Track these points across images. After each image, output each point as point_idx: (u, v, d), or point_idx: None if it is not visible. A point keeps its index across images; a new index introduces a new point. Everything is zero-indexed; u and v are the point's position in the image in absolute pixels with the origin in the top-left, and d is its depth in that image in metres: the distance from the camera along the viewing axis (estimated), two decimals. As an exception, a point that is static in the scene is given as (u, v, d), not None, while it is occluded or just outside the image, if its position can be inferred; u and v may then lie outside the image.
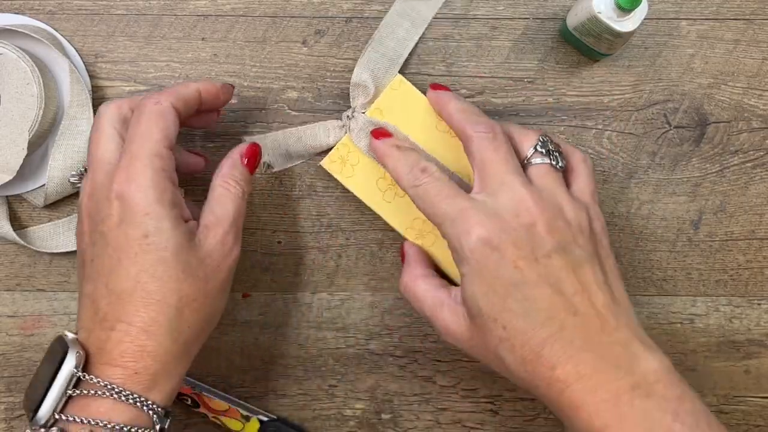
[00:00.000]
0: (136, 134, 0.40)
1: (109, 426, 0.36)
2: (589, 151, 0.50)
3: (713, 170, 0.50)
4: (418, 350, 0.50)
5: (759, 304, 0.50)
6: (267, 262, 0.50)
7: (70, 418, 0.36)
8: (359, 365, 0.50)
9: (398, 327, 0.50)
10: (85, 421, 0.35)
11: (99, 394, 0.36)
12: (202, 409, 0.48)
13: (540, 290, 0.37)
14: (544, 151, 0.41)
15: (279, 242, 0.50)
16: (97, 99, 0.49)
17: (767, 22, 0.50)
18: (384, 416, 0.50)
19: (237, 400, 0.49)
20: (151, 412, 0.37)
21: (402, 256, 0.46)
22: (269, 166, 0.49)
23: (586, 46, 0.48)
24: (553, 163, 0.41)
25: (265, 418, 0.48)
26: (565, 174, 0.42)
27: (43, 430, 0.36)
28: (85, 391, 0.36)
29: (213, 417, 0.48)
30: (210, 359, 0.50)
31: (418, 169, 0.41)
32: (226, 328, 0.50)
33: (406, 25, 0.48)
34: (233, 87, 0.46)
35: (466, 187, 0.41)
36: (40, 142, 0.48)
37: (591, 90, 0.50)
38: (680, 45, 0.50)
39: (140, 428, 0.37)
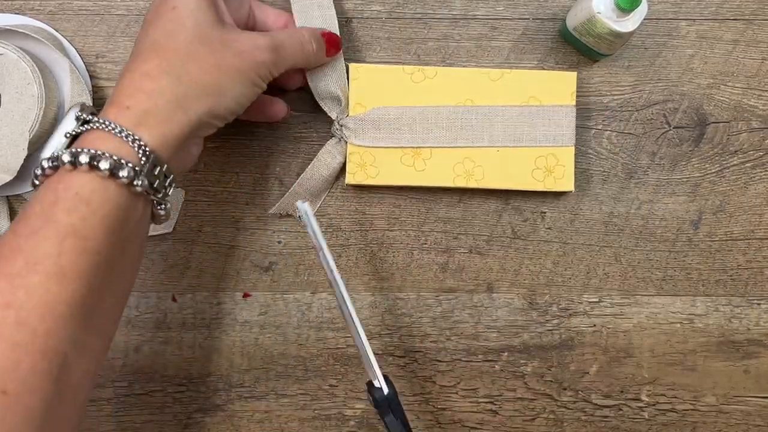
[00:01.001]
0: None
1: (91, 152, 0.36)
2: (589, 151, 0.50)
3: (713, 170, 0.50)
4: (418, 350, 0.50)
5: (758, 304, 0.50)
6: (267, 262, 0.50)
7: (68, 150, 0.36)
8: (359, 365, 0.50)
9: (398, 327, 0.50)
10: (74, 150, 0.36)
11: (94, 129, 0.37)
12: None
13: None
14: None
15: (279, 242, 0.50)
16: (98, 99, 0.49)
17: (766, 23, 0.50)
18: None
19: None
20: (135, 145, 0.37)
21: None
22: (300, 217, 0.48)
23: (585, 46, 0.48)
24: None
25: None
26: None
27: (43, 163, 0.37)
28: (87, 129, 0.38)
29: None
30: (210, 359, 0.50)
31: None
32: (226, 328, 0.50)
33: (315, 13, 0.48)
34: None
35: None
36: (40, 143, 0.48)
37: (591, 90, 0.50)
38: (680, 45, 0.50)
39: (125, 159, 0.36)
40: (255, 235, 0.50)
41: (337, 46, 0.47)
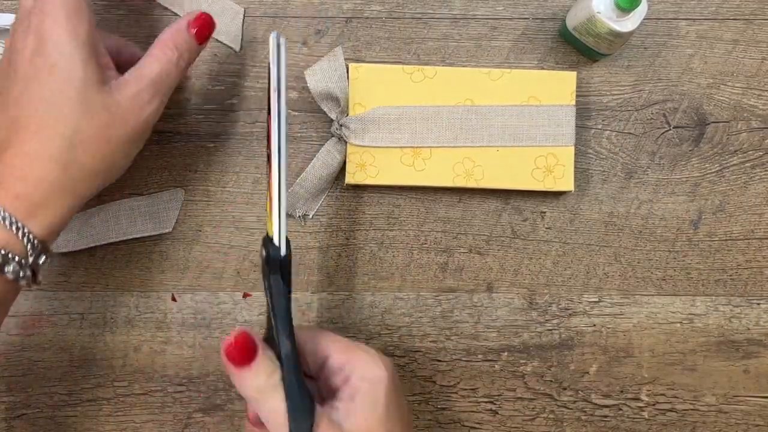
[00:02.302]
0: None
1: None
2: (589, 151, 0.50)
3: (712, 170, 0.50)
4: (418, 350, 0.50)
5: (758, 304, 0.50)
6: (267, 262, 0.50)
7: None
8: (359, 365, 0.50)
9: (398, 327, 0.50)
10: None
11: None
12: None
13: None
14: None
15: (279, 242, 0.50)
16: (98, 99, 0.49)
17: (766, 23, 0.50)
18: (384, 416, 0.50)
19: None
20: (25, 239, 0.36)
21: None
22: (305, 215, 0.49)
23: (585, 46, 0.48)
24: None
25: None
26: None
27: None
28: None
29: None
30: (210, 358, 0.50)
31: None
32: (226, 328, 0.50)
33: None
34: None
35: None
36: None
37: (590, 90, 0.50)
38: (679, 45, 0.50)
39: (12, 253, 0.36)
40: (255, 235, 0.50)
41: (208, 26, 0.43)
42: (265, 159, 0.49)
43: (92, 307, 0.50)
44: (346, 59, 0.49)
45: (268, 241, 0.38)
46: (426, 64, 0.50)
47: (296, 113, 0.50)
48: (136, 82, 0.40)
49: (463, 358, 0.50)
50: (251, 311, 0.50)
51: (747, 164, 0.50)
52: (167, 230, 0.50)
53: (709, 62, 0.50)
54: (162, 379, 0.50)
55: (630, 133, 0.50)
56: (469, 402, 0.50)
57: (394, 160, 0.48)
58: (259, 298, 0.50)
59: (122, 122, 0.39)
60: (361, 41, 0.50)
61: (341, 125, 0.48)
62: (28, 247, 0.36)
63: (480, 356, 0.50)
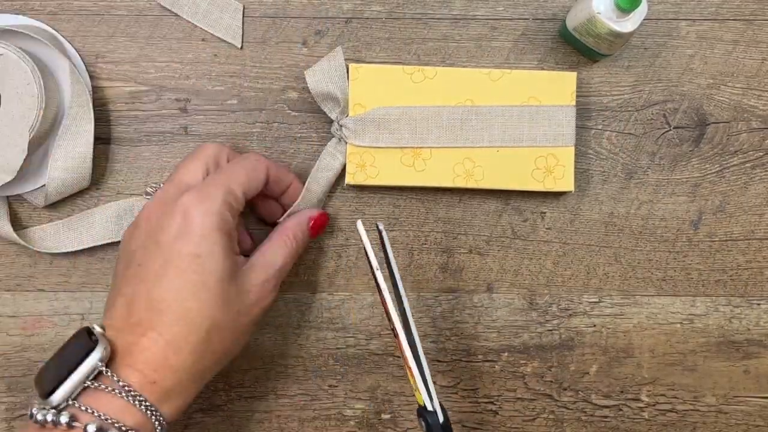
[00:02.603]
0: (223, 170, 0.43)
1: (116, 425, 0.36)
2: (589, 151, 0.50)
3: (713, 170, 0.50)
4: (418, 350, 0.50)
5: (758, 304, 0.50)
6: (267, 262, 0.50)
7: (83, 407, 0.36)
8: (359, 365, 0.50)
9: (398, 327, 0.50)
10: (96, 414, 0.36)
11: (114, 392, 0.37)
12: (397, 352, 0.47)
13: None
14: None
15: (279, 242, 0.50)
16: (98, 99, 0.49)
17: (766, 23, 0.50)
18: (384, 416, 0.50)
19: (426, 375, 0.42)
20: (157, 423, 0.38)
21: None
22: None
23: (585, 46, 0.48)
24: None
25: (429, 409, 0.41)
26: None
27: (53, 410, 0.36)
28: (102, 386, 0.37)
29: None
30: (210, 359, 0.50)
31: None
32: (226, 328, 0.50)
33: None
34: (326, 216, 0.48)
35: None
36: (40, 143, 0.48)
37: (590, 90, 0.50)
38: (680, 45, 0.50)
39: None
40: (255, 235, 0.50)
41: (323, 225, 0.48)
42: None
43: (92, 308, 0.50)
44: (346, 59, 0.49)
45: (423, 411, 0.40)
46: (426, 64, 0.50)
47: (296, 113, 0.50)
48: (263, 270, 0.43)
49: (463, 359, 0.50)
50: (251, 311, 0.50)
51: (747, 165, 0.50)
52: (167, 230, 0.50)
53: (709, 63, 0.50)
54: (162, 379, 0.50)
55: (630, 134, 0.50)
56: (469, 402, 0.50)
57: (394, 161, 0.48)
58: (259, 298, 0.50)
59: (251, 308, 0.42)
60: (361, 42, 0.50)
61: (341, 126, 0.48)
62: (158, 429, 0.38)
63: (480, 357, 0.50)
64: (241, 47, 0.50)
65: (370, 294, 0.50)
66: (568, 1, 0.50)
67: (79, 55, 0.49)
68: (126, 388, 0.37)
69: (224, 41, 0.50)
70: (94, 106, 0.48)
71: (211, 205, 0.40)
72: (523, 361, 0.50)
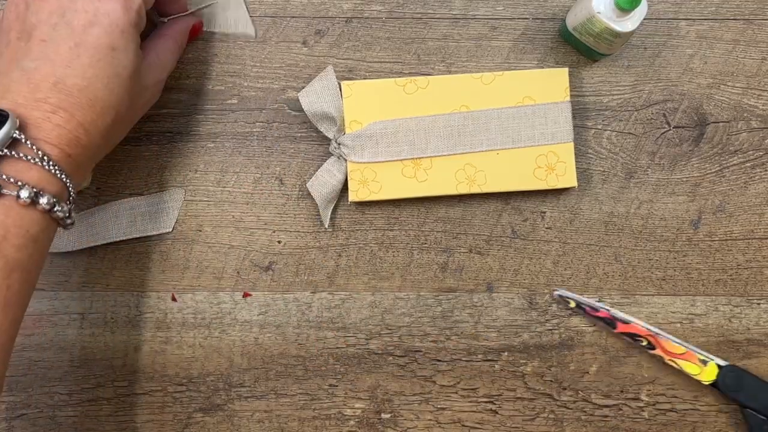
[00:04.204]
0: None
1: (40, 192, 0.37)
2: (589, 151, 0.50)
3: (712, 170, 0.50)
4: (418, 350, 0.50)
5: (758, 304, 0.50)
6: (267, 262, 0.50)
7: (4, 176, 0.37)
8: (359, 365, 0.50)
9: (398, 327, 0.50)
10: (18, 183, 0.37)
11: (33, 162, 0.37)
12: (658, 351, 0.49)
13: None
14: None
15: (279, 242, 0.50)
16: (98, 99, 0.49)
17: (766, 23, 0.50)
18: (384, 416, 0.50)
19: (693, 347, 0.49)
20: (71, 190, 0.39)
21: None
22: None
23: (585, 46, 0.48)
24: None
25: (723, 363, 0.49)
26: None
27: None
28: (22, 155, 0.37)
29: (669, 360, 0.49)
30: (210, 358, 0.50)
31: None
32: (226, 328, 0.50)
33: None
34: None
35: None
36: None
37: (590, 90, 0.50)
38: (679, 45, 0.50)
39: (62, 201, 0.39)
40: (255, 235, 0.50)
41: (196, 34, 0.49)
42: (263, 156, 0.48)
43: (92, 307, 0.50)
44: (345, 59, 0.49)
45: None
46: (426, 64, 0.50)
47: (296, 113, 0.50)
48: (160, 71, 0.46)
49: (464, 358, 0.50)
50: (251, 311, 0.50)
51: (747, 164, 0.50)
52: (167, 230, 0.50)
53: (709, 62, 0.50)
54: (162, 379, 0.50)
55: (630, 133, 0.50)
56: (469, 402, 0.50)
57: (395, 174, 0.48)
58: (259, 297, 0.50)
59: (144, 105, 0.45)
60: (361, 41, 0.50)
61: (339, 144, 0.48)
62: (72, 193, 0.40)
63: (480, 356, 0.50)
64: (256, 35, 0.50)
65: (370, 294, 0.50)
66: (568, 0, 0.50)
67: (79, 54, 0.49)
68: (46, 157, 0.38)
69: (225, 41, 0.50)
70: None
71: (133, 1, 0.41)
72: (523, 361, 0.50)
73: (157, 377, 0.50)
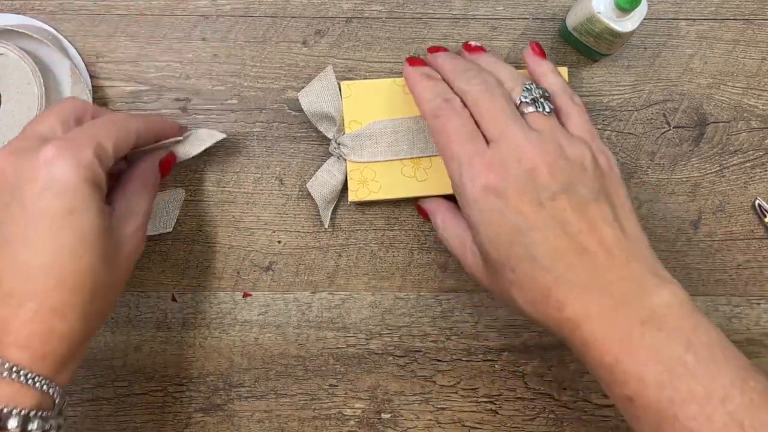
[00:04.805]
0: (91, 123, 0.40)
1: (14, 412, 0.34)
2: (589, 151, 0.50)
3: (712, 170, 0.50)
4: (418, 350, 0.50)
5: (758, 304, 0.50)
6: (267, 262, 0.50)
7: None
8: (359, 365, 0.50)
9: (398, 327, 0.50)
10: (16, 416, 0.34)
11: (3, 377, 0.34)
12: None
13: (545, 233, 0.37)
14: (529, 100, 0.41)
15: (279, 242, 0.50)
16: (98, 99, 0.49)
17: (766, 23, 0.50)
18: (384, 416, 0.50)
19: None
20: (56, 395, 0.36)
21: (422, 211, 0.48)
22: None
23: (585, 46, 0.48)
24: (541, 110, 0.40)
25: None
26: (559, 116, 0.42)
27: None
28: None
29: None
30: (210, 358, 0.50)
31: (442, 99, 0.41)
32: (226, 328, 0.50)
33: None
34: (181, 127, 0.47)
35: None
36: (40, 142, 0.48)
37: (590, 90, 0.50)
38: (679, 45, 0.50)
39: (45, 412, 0.35)
40: (255, 235, 0.50)
41: (169, 167, 0.46)
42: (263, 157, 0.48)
43: (92, 307, 0.50)
44: (346, 59, 0.49)
45: None
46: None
47: (296, 113, 0.50)
48: (134, 219, 0.41)
49: (464, 358, 0.50)
50: (251, 311, 0.50)
51: (747, 164, 0.50)
52: (167, 230, 0.50)
53: (709, 62, 0.50)
54: (162, 379, 0.50)
55: (630, 133, 0.50)
56: (470, 402, 0.50)
57: (395, 173, 0.48)
58: (259, 297, 0.50)
59: (128, 260, 0.41)
60: (361, 41, 0.50)
61: (339, 144, 0.48)
62: (57, 400, 0.36)
63: (480, 356, 0.50)
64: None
65: (370, 294, 0.50)
66: (568, 0, 0.50)
67: (80, 54, 0.49)
68: (15, 369, 0.34)
69: (225, 41, 0.50)
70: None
71: (82, 156, 0.37)
72: (524, 361, 0.50)
73: (157, 377, 0.50)
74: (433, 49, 0.46)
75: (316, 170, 0.49)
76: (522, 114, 0.40)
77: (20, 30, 0.47)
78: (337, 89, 0.48)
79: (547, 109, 0.40)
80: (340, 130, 0.48)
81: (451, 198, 0.50)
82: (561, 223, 0.37)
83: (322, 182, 0.48)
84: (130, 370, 0.50)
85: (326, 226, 0.50)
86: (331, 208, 0.50)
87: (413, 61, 0.45)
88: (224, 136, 0.47)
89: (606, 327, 0.35)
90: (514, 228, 0.37)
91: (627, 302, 0.36)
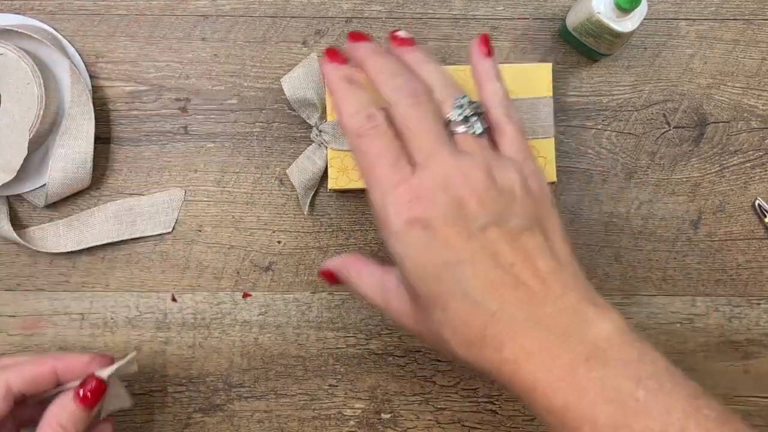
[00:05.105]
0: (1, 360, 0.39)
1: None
2: (589, 151, 0.50)
3: (712, 170, 0.50)
4: (418, 350, 0.50)
5: (758, 304, 0.50)
6: (267, 262, 0.50)
7: None
8: (359, 365, 0.50)
9: (398, 327, 0.50)
10: None
11: None
12: None
13: (476, 267, 0.34)
14: (460, 119, 0.37)
15: (279, 242, 0.50)
16: (98, 99, 0.49)
17: (766, 23, 0.50)
18: (384, 416, 0.50)
19: None
20: None
21: (327, 275, 0.42)
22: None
23: (585, 46, 0.48)
24: (471, 131, 0.37)
25: None
26: (492, 133, 0.39)
27: None
28: None
29: None
30: (210, 358, 0.50)
31: (366, 115, 0.37)
32: (226, 328, 0.50)
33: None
34: (112, 359, 0.42)
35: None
36: (40, 142, 0.48)
37: (590, 90, 0.50)
38: (679, 45, 0.50)
39: None
40: (255, 235, 0.50)
41: (97, 393, 0.40)
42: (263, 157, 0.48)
43: (92, 307, 0.50)
44: (346, 59, 0.49)
45: None
46: (426, 64, 0.50)
47: (295, 113, 0.50)
48: None
49: (463, 358, 0.50)
50: (251, 311, 0.50)
51: (747, 164, 0.50)
52: (167, 230, 0.50)
53: (709, 62, 0.50)
54: (162, 379, 0.50)
55: (630, 134, 0.50)
56: (470, 402, 0.50)
57: None
58: (259, 297, 0.50)
59: None
60: (361, 41, 0.50)
61: (320, 131, 0.48)
62: None
63: (480, 356, 0.50)
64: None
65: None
66: (568, 0, 0.50)
67: (80, 54, 0.49)
68: None
69: (225, 41, 0.50)
70: (94, 106, 0.48)
71: None
72: (523, 361, 0.50)
73: (157, 377, 0.50)
74: (354, 37, 0.40)
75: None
76: (451, 132, 0.37)
77: (20, 30, 0.47)
78: (321, 76, 0.48)
79: (479, 131, 0.37)
80: (322, 117, 0.48)
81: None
82: (493, 255, 0.34)
83: (302, 168, 0.48)
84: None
85: (305, 213, 0.49)
86: (311, 195, 0.49)
87: (333, 55, 0.40)
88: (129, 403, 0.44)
89: (549, 367, 0.33)
90: (443, 262, 0.34)
91: (567, 336, 0.33)
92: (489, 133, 0.38)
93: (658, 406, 0.31)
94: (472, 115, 0.38)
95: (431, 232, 0.34)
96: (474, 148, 0.37)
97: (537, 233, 0.36)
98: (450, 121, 0.37)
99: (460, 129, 0.37)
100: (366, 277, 0.40)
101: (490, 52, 0.41)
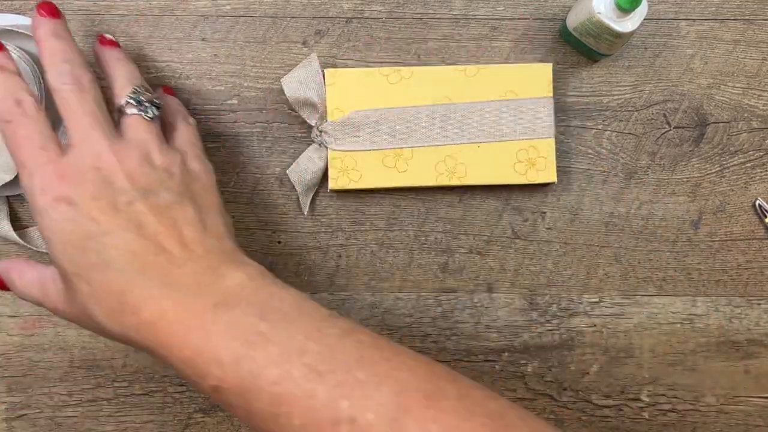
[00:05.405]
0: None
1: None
2: (589, 151, 0.50)
3: (713, 170, 0.50)
4: (419, 350, 0.50)
5: (758, 304, 0.50)
6: (267, 262, 0.50)
7: None
8: (359, 365, 0.50)
9: (398, 327, 0.50)
10: None
11: None
12: None
13: (119, 237, 0.35)
14: (134, 102, 0.40)
15: (279, 242, 0.50)
16: (98, 99, 0.49)
17: (767, 23, 0.50)
18: (384, 416, 0.50)
19: None
20: None
21: None
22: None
23: (585, 46, 0.48)
24: (144, 114, 0.40)
25: None
26: (166, 130, 0.42)
27: None
28: None
29: None
30: (210, 359, 0.50)
31: (13, 100, 0.38)
32: (226, 328, 0.50)
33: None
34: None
35: None
36: (40, 142, 0.48)
37: (591, 90, 0.50)
38: (680, 45, 0.50)
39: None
40: (255, 235, 0.50)
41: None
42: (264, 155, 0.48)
43: (92, 308, 0.50)
44: (346, 59, 0.49)
45: None
46: (426, 64, 0.50)
47: (296, 113, 0.50)
48: None
49: (464, 359, 0.50)
50: (251, 311, 0.50)
51: (747, 164, 0.50)
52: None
53: (709, 62, 0.50)
54: (162, 379, 0.50)
55: (630, 134, 0.50)
56: (470, 402, 0.50)
57: (376, 163, 0.48)
58: (259, 298, 0.50)
59: None
60: (361, 41, 0.50)
61: (321, 131, 0.48)
62: None
63: (480, 357, 0.50)
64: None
65: (371, 294, 0.50)
66: (568, 1, 0.50)
67: (79, 55, 0.49)
68: None
69: (225, 41, 0.50)
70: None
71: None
72: (524, 361, 0.50)
73: (157, 377, 0.50)
74: (43, 9, 0.41)
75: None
76: (123, 114, 0.40)
77: (20, 30, 0.47)
78: (321, 76, 0.48)
79: (151, 115, 0.40)
80: (323, 117, 0.48)
81: (428, 189, 0.50)
82: (137, 226, 0.36)
83: (303, 169, 0.48)
84: (130, 370, 0.50)
85: (305, 213, 0.50)
86: (311, 195, 0.49)
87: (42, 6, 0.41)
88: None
89: (181, 320, 0.34)
90: (87, 234, 0.35)
91: (200, 291, 0.34)
92: (162, 128, 0.41)
93: (280, 334, 0.33)
94: (148, 101, 0.40)
95: (76, 208, 0.36)
96: (140, 130, 0.39)
97: (188, 206, 0.38)
98: (126, 102, 0.40)
99: (133, 111, 0.40)
100: (27, 275, 0.41)
101: (55, 13, 0.41)
